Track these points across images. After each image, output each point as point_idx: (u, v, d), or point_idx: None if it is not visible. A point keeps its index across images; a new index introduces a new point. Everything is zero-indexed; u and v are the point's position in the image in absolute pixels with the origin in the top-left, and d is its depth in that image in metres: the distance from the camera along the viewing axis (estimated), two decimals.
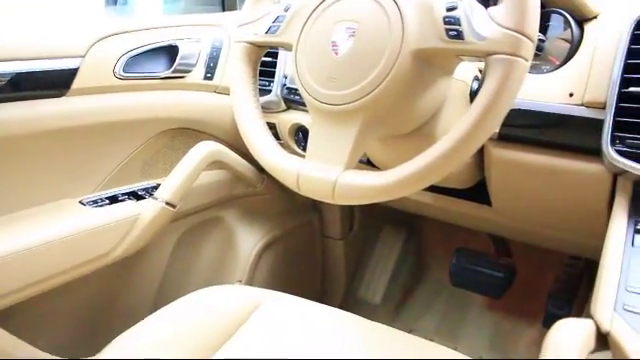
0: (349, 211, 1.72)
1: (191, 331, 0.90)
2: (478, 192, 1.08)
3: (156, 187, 1.26)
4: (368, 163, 1.08)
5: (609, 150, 0.81)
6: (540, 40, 0.75)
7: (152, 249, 1.30)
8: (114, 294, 1.26)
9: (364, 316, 0.95)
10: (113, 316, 1.26)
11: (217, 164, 1.32)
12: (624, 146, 0.80)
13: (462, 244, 1.61)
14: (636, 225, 0.79)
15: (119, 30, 1.21)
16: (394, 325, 0.95)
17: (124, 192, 1.24)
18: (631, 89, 0.80)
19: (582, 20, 0.95)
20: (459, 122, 0.68)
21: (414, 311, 1.76)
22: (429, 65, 0.74)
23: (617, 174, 0.86)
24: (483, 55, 0.68)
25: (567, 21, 0.94)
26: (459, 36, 0.68)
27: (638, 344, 0.64)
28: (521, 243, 1.48)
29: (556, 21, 0.95)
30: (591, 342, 0.68)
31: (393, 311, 1.76)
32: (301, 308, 0.97)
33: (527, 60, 0.67)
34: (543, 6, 0.96)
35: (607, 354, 0.69)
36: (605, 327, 0.68)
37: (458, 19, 0.69)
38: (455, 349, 0.90)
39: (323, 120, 0.79)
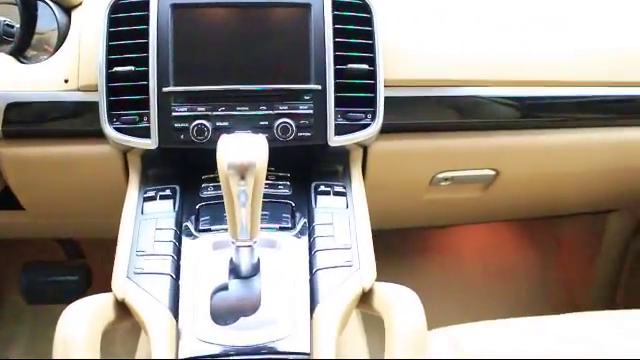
0: None
1: None
2: (8, 199, 1.00)
3: None
4: None
5: (108, 129, 0.84)
6: (8, 25, 0.72)
7: None
8: None
9: None
10: None
11: None
12: (121, 123, 0.84)
13: (34, 258, 1.50)
14: (145, 194, 0.85)
15: None
16: None
17: None
18: (115, 69, 0.84)
19: (69, 8, 0.96)
20: None
21: None
22: None
23: (126, 151, 0.90)
24: None
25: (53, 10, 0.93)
26: None
27: (145, 301, 0.69)
28: (89, 240, 1.46)
29: (44, 10, 0.94)
30: (110, 313, 0.69)
31: None
32: None
33: None
34: None
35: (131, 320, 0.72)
36: (120, 295, 0.70)
37: None
38: None
39: None
